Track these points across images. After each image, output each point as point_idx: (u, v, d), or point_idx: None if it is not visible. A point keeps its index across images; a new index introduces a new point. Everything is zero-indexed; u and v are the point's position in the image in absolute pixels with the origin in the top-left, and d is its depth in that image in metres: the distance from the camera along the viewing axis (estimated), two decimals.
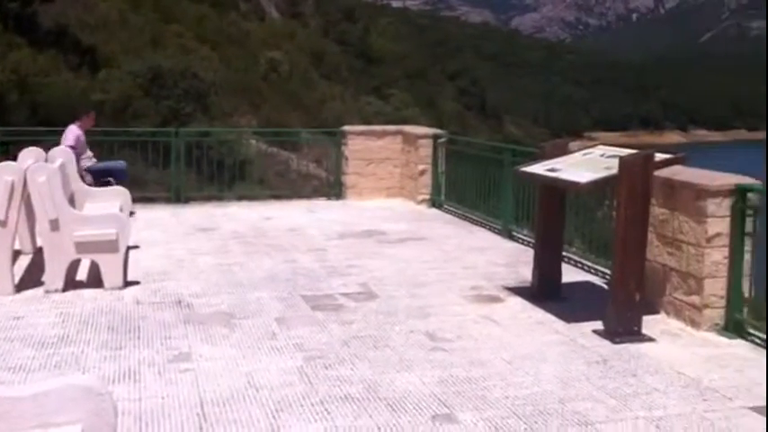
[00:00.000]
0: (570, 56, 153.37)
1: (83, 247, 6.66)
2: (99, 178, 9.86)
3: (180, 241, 8.80)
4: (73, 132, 9.89)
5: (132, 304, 6.32)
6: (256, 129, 20.18)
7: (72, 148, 9.30)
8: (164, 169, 11.90)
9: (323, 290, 6.82)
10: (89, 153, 10.18)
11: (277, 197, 12.21)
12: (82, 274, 7.08)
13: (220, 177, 12.10)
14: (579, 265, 7.74)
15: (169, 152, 11.37)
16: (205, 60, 25.42)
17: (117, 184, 9.69)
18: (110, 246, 6.67)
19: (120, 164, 10.37)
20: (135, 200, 9.51)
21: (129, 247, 7.52)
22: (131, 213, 9.79)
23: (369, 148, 11.94)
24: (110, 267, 6.70)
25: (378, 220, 10.22)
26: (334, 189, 12.17)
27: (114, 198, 8.23)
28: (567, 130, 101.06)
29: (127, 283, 6.84)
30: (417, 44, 73.98)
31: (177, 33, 27.61)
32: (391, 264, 7.81)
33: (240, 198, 11.90)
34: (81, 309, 6.18)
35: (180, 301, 6.42)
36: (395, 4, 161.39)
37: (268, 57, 30.82)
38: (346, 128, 12.41)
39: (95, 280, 6.78)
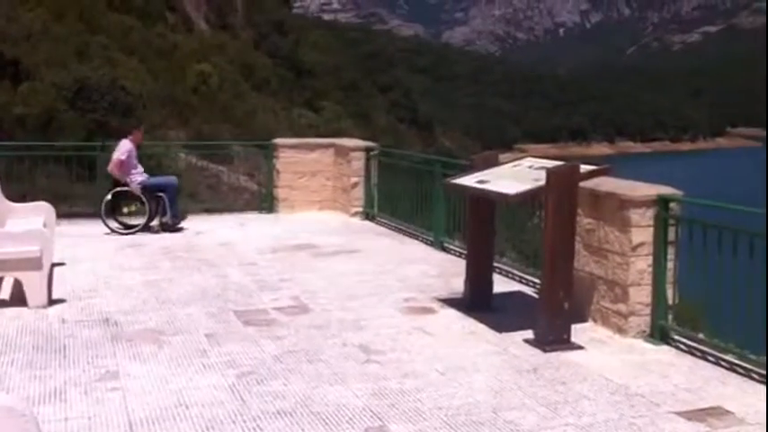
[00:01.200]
0: (500, 68, 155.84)
1: (5, 264, 6.46)
2: (152, 193, 10.07)
3: (107, 257, 8.61)
4: (125, 146, 10.10)
5: (57, 323, 6.15)
6: (186, 142, 19.90)
7: (122, 161, 9.94)
8: (90, 184, 11.62)
9: (254, 305, 6.75)
10: (140, 168, 10.26)
11: (208, 211, 12.06)
12: (5, 293, 6.87)
13: None
14: (510, 275, 7.84)
15: (95, 166, 11.12)
16: (132, 72, 24.96)
17: (168, 198, 10.10)
18: (33, 263, 6.48)
19: (172, 179, 10.52)
20: (60, 215, 9.26)
21: (54, 264, 7.32)
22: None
23: (301, 161, 11.90)
24: (33, 285, 6.51)
25: (310, 233, 10.18)
26: (265, 202, 12.08)
27: (37, 214, 8.00)
28: (498, 142, 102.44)
29: (52, 302, 6.65)
30: (349, 57, 74.16)
31: (103, 45, 27.06)
32: (324, 277, 7.79)
33: None
34: (4, 328, 5.98)
35: (107, 319, 6.27)
36: (326, 17, 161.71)
37: (197, 69, 30.44)
38: (278, 141, 12.35)
39: (19, 298, 6.58)
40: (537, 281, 7.20)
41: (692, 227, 5.69)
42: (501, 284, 7.28)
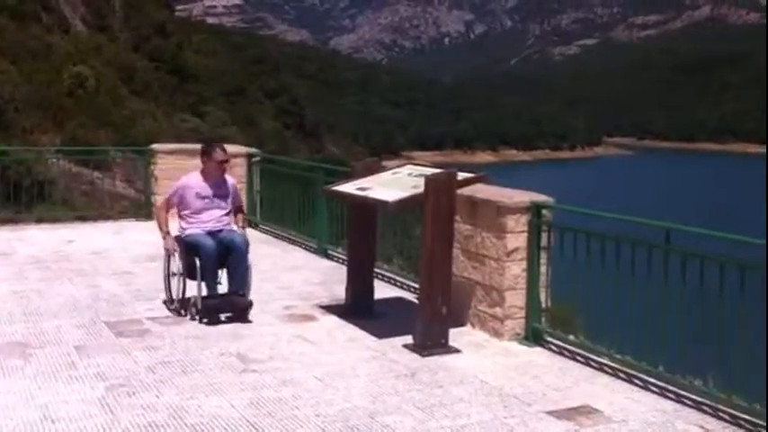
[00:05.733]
0: (387, 76, 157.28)
1: None
2: (189, 253, 6.57)
3: None
4: (180, 181, 6.91)
5: None
6: (60, 147, 19.11)
7: (168, 200, 6.87)
8: None
9: (128, 315, 6.54)
10: (210, 213, 6.74)
11: (82, 218, 11.61)
12: None
13: (17, 199, 11.33)
14: (393, 281, 7.89)
15: None
16: (3, 75, 23.81)
17: (203, 265, 6.50)
18: None
19: (207, 240, 6.58)
20: None
21: None
22: None
23: (180, 168, 11.50)
24: None
25: None
26: (143, 209, 11.73)
27: None
28: (385, 149, 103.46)
29: None
30: (234, 62, 73.04)
31: None
32: None
33: (40, 220, 11.21)
34: None
35: None
36: (210, 21, 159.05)
37: (73, 71, 29.27)
38: (155, 146, 12.02)
39: None
40: (418, 286, 7.27)
41: (564, 233, 5.88)
42: (383, 291, 7.32)
